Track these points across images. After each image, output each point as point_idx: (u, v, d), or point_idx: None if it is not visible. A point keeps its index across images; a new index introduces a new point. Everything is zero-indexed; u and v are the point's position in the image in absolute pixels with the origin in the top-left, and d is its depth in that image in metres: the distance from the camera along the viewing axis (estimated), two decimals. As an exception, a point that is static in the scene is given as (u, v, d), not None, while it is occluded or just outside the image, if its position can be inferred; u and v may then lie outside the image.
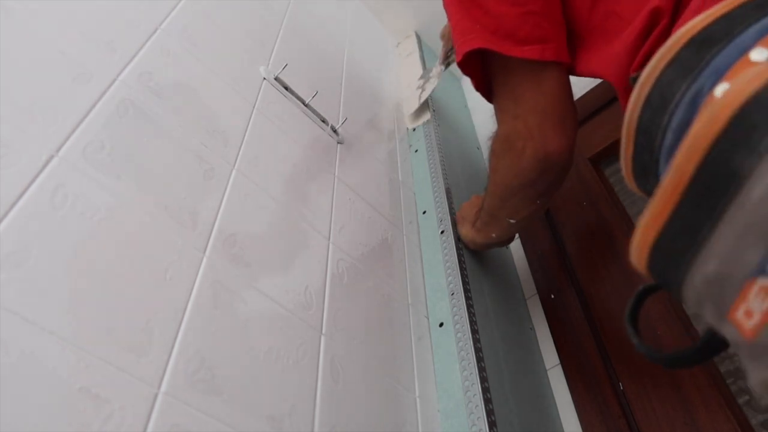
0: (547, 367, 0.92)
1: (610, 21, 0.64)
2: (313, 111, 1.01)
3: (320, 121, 1.01)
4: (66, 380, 0.43)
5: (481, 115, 1.52)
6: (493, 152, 0.76)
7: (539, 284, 1.03)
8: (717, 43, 0.38)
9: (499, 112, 0.74)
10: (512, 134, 0.71)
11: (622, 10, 0.62)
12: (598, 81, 1.26)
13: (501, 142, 0.73)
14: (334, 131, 1.03)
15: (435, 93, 1.36)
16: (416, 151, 1.27)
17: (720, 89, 0.34)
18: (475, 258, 0.99)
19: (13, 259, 0.46)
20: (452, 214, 1.03)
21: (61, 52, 0.63)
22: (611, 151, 1.16)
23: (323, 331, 0.69)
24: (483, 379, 0.75)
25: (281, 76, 0.98)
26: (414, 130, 1.29)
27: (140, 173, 0.62)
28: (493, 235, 0.89)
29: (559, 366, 0.90)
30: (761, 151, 0.30)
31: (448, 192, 1.07)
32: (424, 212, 1.09)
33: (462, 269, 0.92)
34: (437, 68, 1.27)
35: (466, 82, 1.68)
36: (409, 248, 1.00)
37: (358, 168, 1.04)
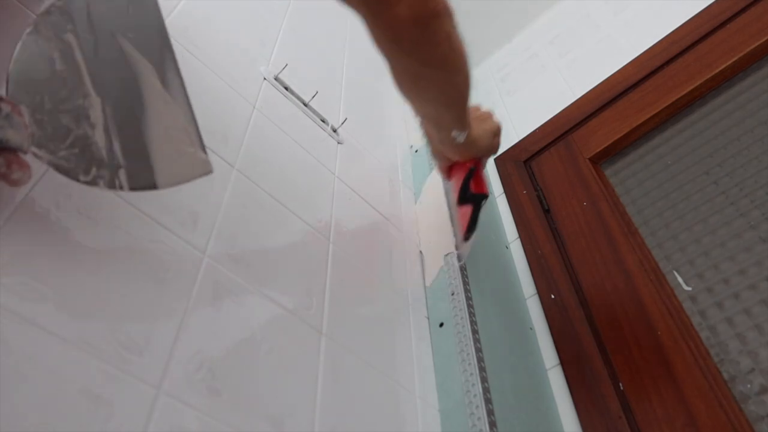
0: (547, 367, 0.92)
1: None
2: (313, 111, 1.01)
3: (320, 121, 1.01)
4: (67, 381, 0.43)
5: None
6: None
7: (539, 284, 1.03)
8: None
9: None
10: None
11: None
12: (597, 82, 1.26)
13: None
14: (334, 131, 1.03)
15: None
16: (416, 151, 1.27)
17: None
18: (475, 258, 0.99)
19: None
20: (452, 214, 1.03)
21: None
22: (611, 151, 1.16)
23: (323, 331, 0.69)
24: (483, 379, 0.75)
25: (281, 76, 0.98)
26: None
27: (140, 173, 0.62)
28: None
29: (559, 366, 0.90)
30: None
31: (448, 193, 1.07)
32: (424, 212, 1.09)
33: (462, 269, 0.92)
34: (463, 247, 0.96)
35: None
36: (409, 248, 1.00)
37: (358, 168, 1.04)
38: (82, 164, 0.43)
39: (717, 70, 1.06)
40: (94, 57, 0.44)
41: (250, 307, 0.63)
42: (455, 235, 0.98)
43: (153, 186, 0.46)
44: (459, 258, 0.95)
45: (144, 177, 0.45)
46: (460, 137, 0.76)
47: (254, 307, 0.63)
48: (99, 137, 0.44)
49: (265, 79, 0.94)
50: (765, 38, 1.03)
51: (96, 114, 0.44)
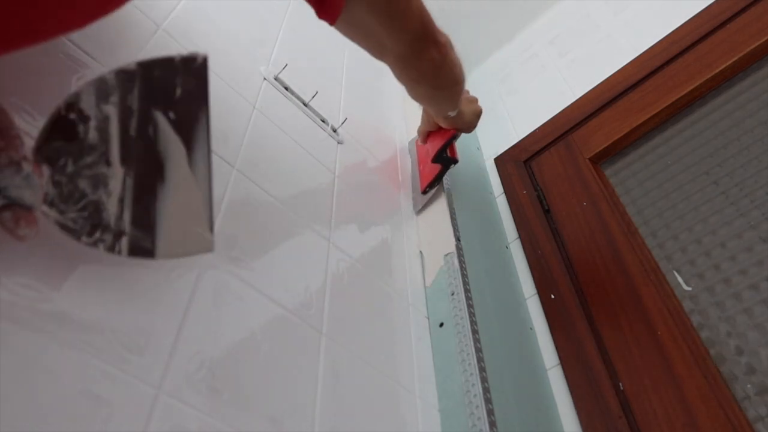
0: (547, 367, 0.92)
1: None
2: (313, 111, 1.01)
3: (320, 121, 1.01)
4: (67, 381, 0.43)
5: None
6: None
7: (539, 284, 1.03)
8: None
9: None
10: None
11: None
12: (597, 82, 1.26)
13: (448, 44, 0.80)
14: (334, 131, 1.03)
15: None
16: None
17: None
18: (475, 258, 0.99)
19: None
20: (453, 214, 1.03)
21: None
22: (611, 151, 1.16)
23: (323, 331, 0.69)
24: (483, 379, 0.75)
25: (281, 76, 0.98)
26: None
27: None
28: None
29: (559, 366, 0.90)
30: None
31: (448, 193, 1.07)
32: (424, 212, 1.09)
33: (462, 269, 0.92)
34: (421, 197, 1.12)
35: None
36: (409, 248, 1.00)
37: (358, 168, 1.04)
38: (87, 227, 0.44)
39: (717, 70, 1.06)
40: (128, 131, 0.45)
41: (250, 307, 0.63)
42: (414, 188, 1.15)
43: (150, 255, 0.46)
44: (414, 206, 1.12)
45: (143, 247, 0.46)
46: (452, 113, 0.96)
47: (254, 307, 0.63)
48: (112, 205, 0.45)
49: (265, 79, 0.94)
50: (765, 38, 1.03)
51: (116, 184, 0.45)
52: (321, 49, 1.21)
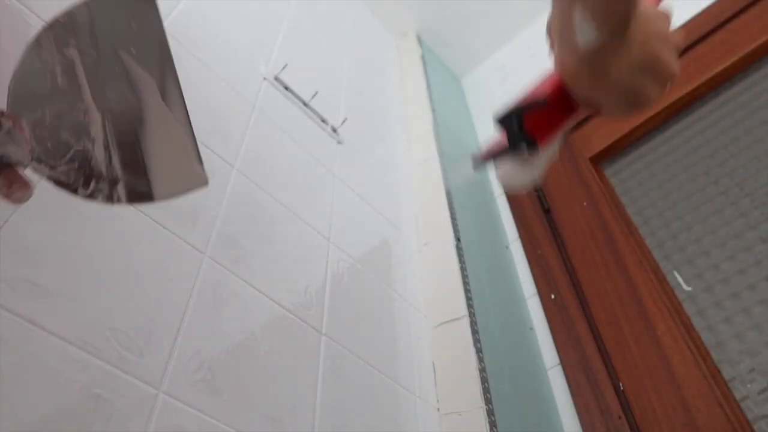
0: (547, 367, 0.92)
1: None
2: (313, 111, 1.01)
3: (320, 121, 1.01)
4: (67, 381, 0.43)
5: (479, 116, 1.52)
6: None
7: (539, 284, 1.03)
8: None
9: None
10: None
11: None
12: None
13: None
14: (334, 131, 1.03)
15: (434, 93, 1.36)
16: (416, 151, 1.27)
17: None
18: (475, 258, 0.99)
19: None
20: (453, 216, 1.02)
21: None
22: (611, 151, 1.16)
23: (323, 331, 0.69)
24: (483, 379, 0.75)
25: (281, 76, 0.98)
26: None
27: (140, 173, 0.62)
28: None
29: (559, 366, 0.90)
30: None
31: (448, 193, 1.07)
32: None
33: (462, 269, 0.92)
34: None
35: (467, 83, 1.68)
36: (408, 247, 1.00)
37: (358, 168, 1.04)
38: (81, 178, 0.44)
39: (717, 71, 1.06)
40: (95, 72, 0.45)
41: (250, 306, 0.63)
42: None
43: (150, 199, 0.46)
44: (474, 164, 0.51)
45: (141, 190, 0.46)
46: (586, 33, 0.39)
47: (254, 307, 0.63)
48: (98, 152, 0.45)
49: (265, 79, 0.94)
50: (765, 38, 1.03)
51: (96, 129, 0.45)
52: (321, 49, 1.21)
